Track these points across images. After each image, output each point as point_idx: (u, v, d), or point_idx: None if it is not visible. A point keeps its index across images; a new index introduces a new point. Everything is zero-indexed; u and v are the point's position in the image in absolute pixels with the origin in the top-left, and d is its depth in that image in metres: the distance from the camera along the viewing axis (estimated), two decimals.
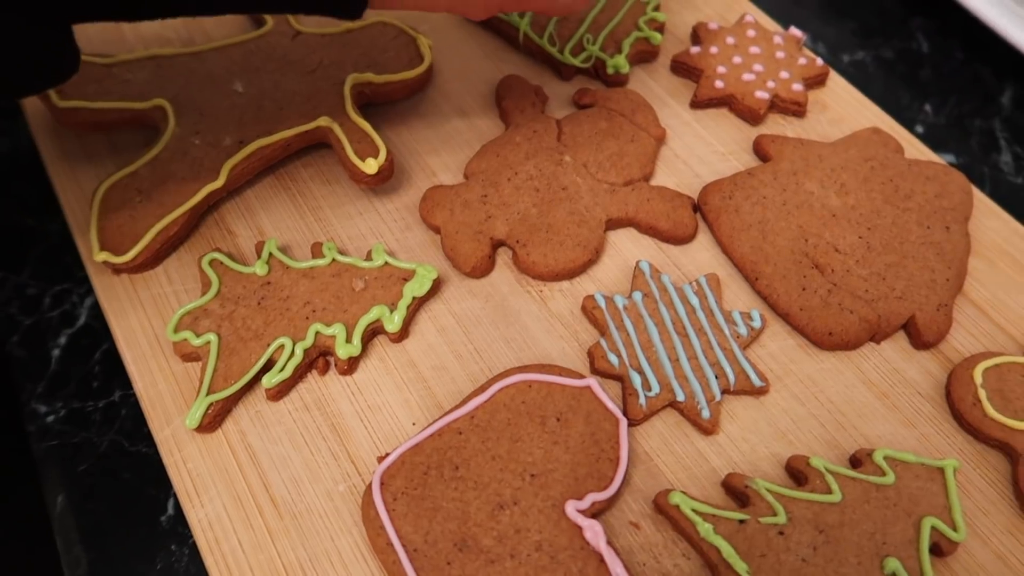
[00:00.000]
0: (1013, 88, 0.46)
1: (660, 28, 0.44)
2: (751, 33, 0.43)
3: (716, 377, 0.32)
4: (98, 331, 0.37)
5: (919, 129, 0.44)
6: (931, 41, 0.48)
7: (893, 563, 0.27)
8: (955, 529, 0.29)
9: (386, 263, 0.35)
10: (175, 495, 0.32)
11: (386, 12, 0.43)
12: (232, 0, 0.29)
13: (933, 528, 0.29)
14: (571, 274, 0.36)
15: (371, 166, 0.36)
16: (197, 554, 0.31)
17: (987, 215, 0.38)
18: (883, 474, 0.30)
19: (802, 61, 0.42)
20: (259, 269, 0.35)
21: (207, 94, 0.39)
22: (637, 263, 0.35)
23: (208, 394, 0.31)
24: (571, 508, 0.29)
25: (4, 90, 0.28)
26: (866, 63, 0.47)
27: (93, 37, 0.41)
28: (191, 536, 0.31)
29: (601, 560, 0.28)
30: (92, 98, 0.38)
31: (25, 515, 0.35)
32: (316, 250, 0.36)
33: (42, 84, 0.29)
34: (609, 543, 0.28)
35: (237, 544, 0.29)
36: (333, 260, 0.35)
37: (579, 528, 0.28)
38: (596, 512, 0.29)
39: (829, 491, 0.29)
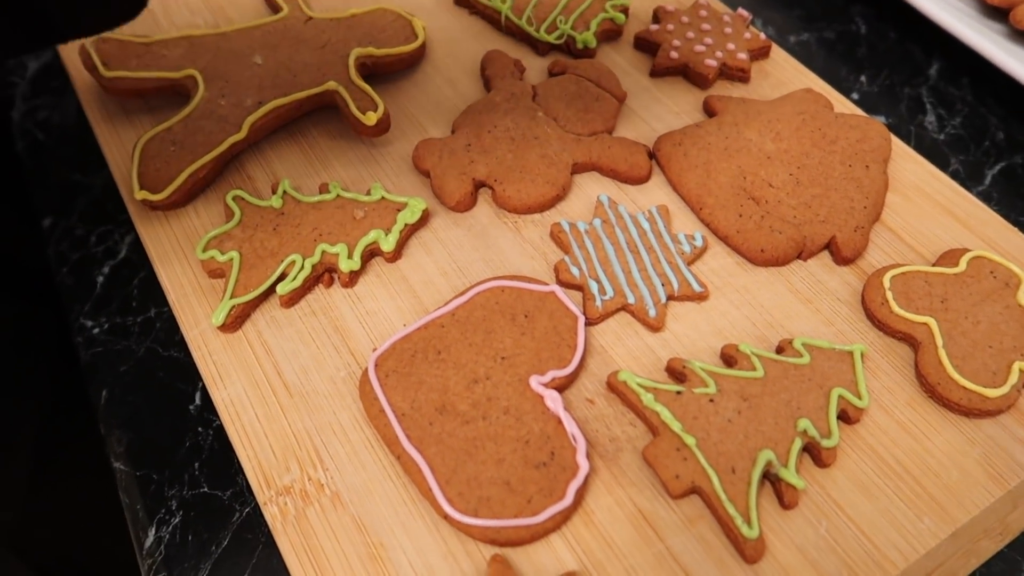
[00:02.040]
0: (939, 62, 0.52)
1: (625, 10, 0.50)
2: (703, 13, 0.49)
3: (663, 285, 0.38)
4: (136, 263, 0.43)
5: (854, 96, 0.50)
6: (869, 24, 0.54)
7: (804, 422, 0.33)
8: (859, 398, 0.34)
9: (383, 197, 0.41)
10: (202, 388, 0.38)
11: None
12: None
13: (841, 396, 0.34)
14: (541, 208, 0.41)
15: (371, 118, 0.42)
16: (219, 434, 0.37)
17: (906, 159, 0.44)
18: (800, 356, 0.35)
19: (747, 35, 0.48)
20: (275, 202, 0.41)
21: (231, 66, 0.46)
22: (598, 196, 0.41)
23: (231, 298, 0.37)
24: (534, 381, 0.34)
25: (91, 27, 0.32)
26: (810, 43, 0.53)
27: (134, 22, 0.48)
28: (215, 420, 0.37)
29: (559, 421, 0.33)
30: (134, 69, 0.45)
31: (73, 408, 0.40)
32: (323, 188, 0.42)
33: (117, 21, 0.33)
34: (566, 409, 0.33)
35: (254, 416, 0.35)
36: (337, 195, 0.41)
37: (541, 397, 0.34)
38: (557, 387, 0.35)
39: (754, 369, 0.34)
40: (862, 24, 0.54)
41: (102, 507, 0.39)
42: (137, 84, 0.45)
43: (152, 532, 0.34)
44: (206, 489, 0.35)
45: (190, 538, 0.34)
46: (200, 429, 0.37)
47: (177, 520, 0.34)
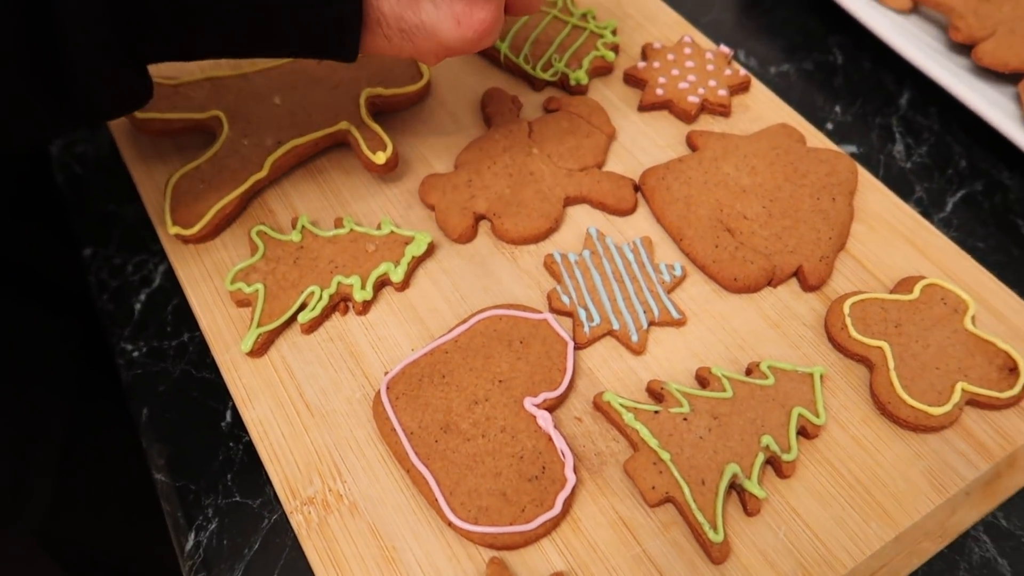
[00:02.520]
0: (910, 91, 0.55)
1: (615, 48, 0.54)
2: (688, 51, 0.53)
3: (644, 312, 0.42)
4: (169, 290, 0.47)
5: (828, 126, 0.54)
6: (845, 54, 0.58)
7: (767, 439, 0.37)
8: (817, 416, 0.38)
9: (392, 231, 0.45)
10: (232, 406, 0.42)
11: None
12: (239, 47, 0.36)
13: (800, 415, 0.38)
14: (536, 239, 0.45)
15: (380, 158, 0.46)
16: (248, 449, 0.41)
17: (872, 190, 0.47)
18: (766, 378, 0.39)
19: (727, 72, 0.52)
20: (294, 237, 0.45)
21: (253, 106, 0.50)
22: (588, 229, 0.45)
23: (258, 327, 0.42)
24: (528, 402, 0.38)
25: (96, 118, 0.36)
26: (789, 73, 0.57)
27: (162, 66, 0.52)
28: (244, 436, 0.41)
29: (550, 439, 0.37)
30: (164, 111, 0.49)
31: (115, 426, 0.45)
32: (338, 222, 0.46)
33: (125, 111, 0.37)
34: (556, 428, 0.38)
35: (280, 435, 0.39)
36: (351, 229, 0.45)
37: (534, 416, 0.38)
38: (549, 407, 0.39)
39: (724, 390, 0.39)
40: (839, 54, 0.58)
41: (137, 511, 0.44)
42: (166, 125, 0.49)
43: (192, 537, 0.39)
44: (238, 498, 0.40)
45: (225, 542, 0.38)
46: (231, 444, 0.41)
47: (213, 526, 0.39)
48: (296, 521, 0.37)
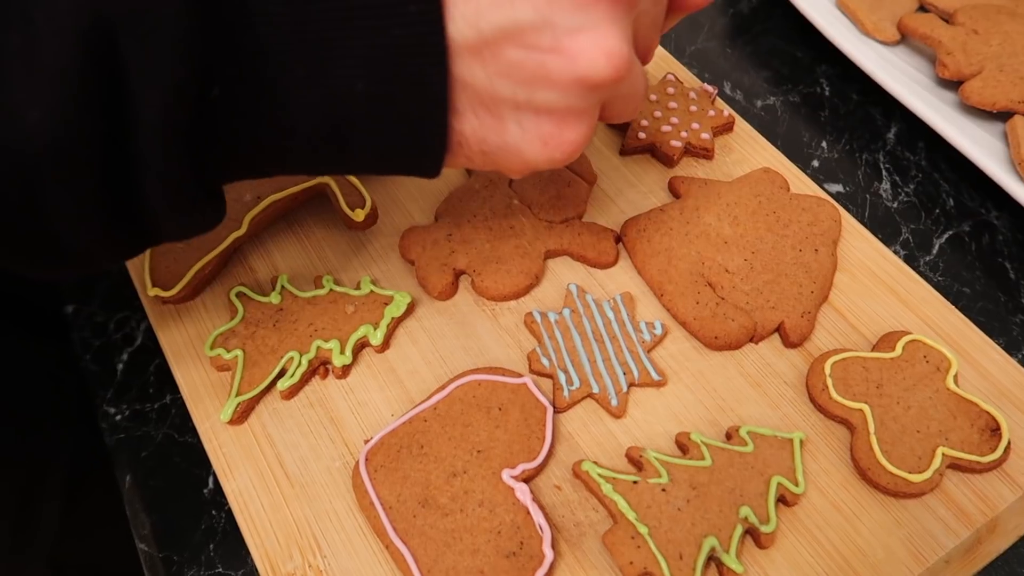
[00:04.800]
0: (898, 125, 0.55)
1: None
2: (670, 90, 0.52)
3: (624, 373, 0.42)
4: (152, 349, 0.47)
5: (815, 163, 0.53)
6: (832, 86, 0.57)
7: (745, 510, 0.37)
8: (796, 484, 0.38)
9: (371, 291, 0.45)
10: (214, 472, 0.43)
11: None
12: (328, 169, 0.35)
13: (779, 484, 0.38)
14: (517, 295, 0.45)
15: (359, 215, 0.46)
16: (231, 518, 0.41)
17: (856, 237, 0.47)
18: (745, 444, 0.39)
19: (711, 113, 0.51)
20: (274, 298, 0.45)
21: None
22: (568, 286, 0.45)
23: (237, 395, 0.42)
24: (506, 475, 0.38)
25: (171, 238, 0.33)
26: (776, 107, 0.56)
27: None
28: (227, 503, 0.42)
29: (528, 512, 0.37)
30: None
31: (101, 490, 0.45)
32: (317, 282, 0.46)
33: (197, 234, 0.34)
34: (535, 500, 0.38)
35: (261, 507, 0.39)
36: (330, 290, 0.45)
37: (512, 489, 0.38)
38: (527, 478, 0.39)
39: (703, 458, 0.39)
40: (826, 86, 0.57)
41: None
42: None
43: None
44: (220, 569, 0.40)
45: None
46: (214, 512, 0.42)
47: None
48: None
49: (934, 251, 0.49)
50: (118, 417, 0.45)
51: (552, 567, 0.37)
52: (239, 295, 0.45)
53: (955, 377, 0.41)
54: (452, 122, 0.32)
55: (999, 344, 0.43)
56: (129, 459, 0.44)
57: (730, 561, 0.36)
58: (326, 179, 0.47)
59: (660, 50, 0.56)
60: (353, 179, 0.48)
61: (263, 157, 0.32)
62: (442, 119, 0.31)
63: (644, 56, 0.36)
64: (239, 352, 0.43)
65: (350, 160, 0.33)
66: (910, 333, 0.42)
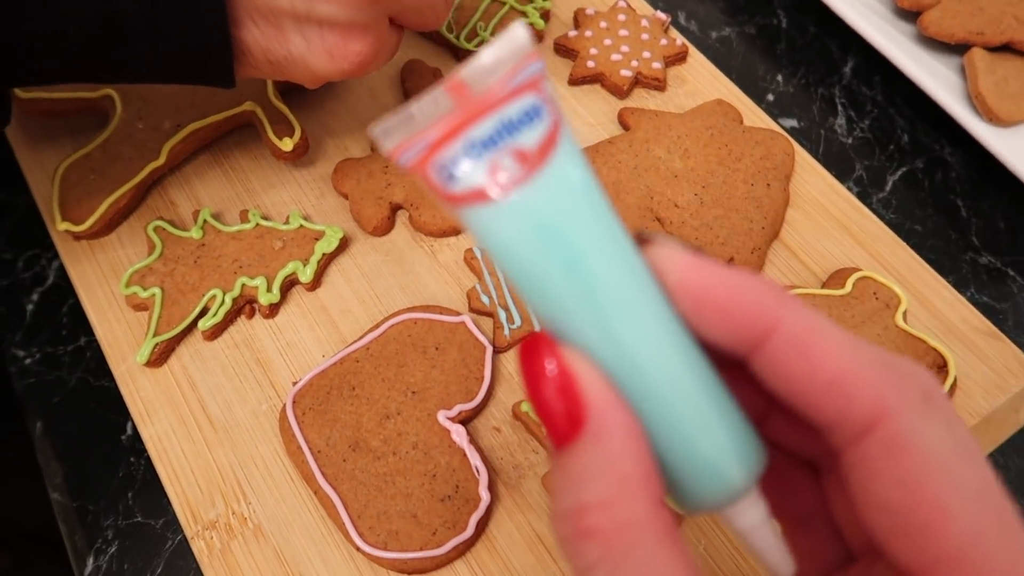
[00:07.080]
0: (855, 59, 0.53)
1: (546, 15, 0.50)
2: (621, 17, 0.50)
3: None
4: (64, 289, 0.44)
5: (769, 97, 0.51)
6: (790, 17, 0.55)
7: None
8: None
9: (301, 226, 0.42)
10: (132, 418, 0.40)
11: None
12: (112, 73, 0.34)
13: None
14: (457, 231, 0.43)
15: (287, 144, 0.43)
16: (150, 464, 0.39)
17: (809, 172, 0.45)
18: None
19: (663, 42, 0.49)
20: (195, 233, 0.42)
21: (148, 85, 0.46)
22: None
23: (154, 336, 0.39)
24: (442, 416, 0.36)
25: None
26: (731, 38, 0.54)
27: None
28: (146, 450, 0.39)
29: (464, 455, 0.36)
30: (50, 90, 0.45)
31: (11, 438, 0.42)
32: (243, 216, 0.43)
33: None
34: (472, 442, 0.36)
35: (181, 453, 0.37)
36: (257, 224, 0.42)
37: (448, 431, 0.36)
38: (464, 419, 0.37)
39: None
40: (783, 17, 0.55)
41: (37, 531, 0.42)
42: (54, 106, 0.45)
43: (91, 561, 0.37)
44: (140, 519, 0.38)
45: (126, 567, 0.36)
46: (132, 459, 0.39)
47: (113, 549, 0.37)
48: (197, 547, 0.35)
49: (887, 188, 0.48)
50: (28, 361, 0.42)
51: (489, 510, 0.35)
52: (157, 230, 0.42)
53: (904, 314, 0.40)
54: (233, 31, 0.32)
55: (949, 282, 0.42)
56: (40, 405, 0.41)
57: None
58: (252, 106, 0.44)
59: None
60: (281, 106, 0.44)
61: (37, 59, 0.31)
62: (222, 24, 0.31)
63: None
64: (157, 290, 0.40)
65: (132, 60, 0.32)
66: (861, 270, 0.41)
